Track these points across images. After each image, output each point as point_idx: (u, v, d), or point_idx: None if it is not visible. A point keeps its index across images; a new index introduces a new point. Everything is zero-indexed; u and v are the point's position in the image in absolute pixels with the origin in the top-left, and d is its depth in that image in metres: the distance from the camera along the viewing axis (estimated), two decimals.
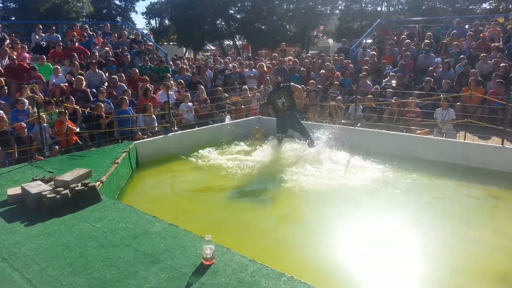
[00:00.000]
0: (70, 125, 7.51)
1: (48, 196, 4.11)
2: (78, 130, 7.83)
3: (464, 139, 7.91)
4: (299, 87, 8.19)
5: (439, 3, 31.24)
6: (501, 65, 10.05)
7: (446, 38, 13.21)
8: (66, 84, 9.42)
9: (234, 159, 7.33)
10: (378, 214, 5.12)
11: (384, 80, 11.36)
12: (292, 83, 8.22)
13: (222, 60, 14.90)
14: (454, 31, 13.06)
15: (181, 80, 10.77)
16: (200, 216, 5.03)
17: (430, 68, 11.24)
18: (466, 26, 13.82)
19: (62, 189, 4.35)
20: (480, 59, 10.86)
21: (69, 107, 7.91)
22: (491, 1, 29.33)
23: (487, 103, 9.42)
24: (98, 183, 4.98)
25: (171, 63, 13.05)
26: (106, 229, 3.73)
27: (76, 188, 4.38)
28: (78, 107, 8.29)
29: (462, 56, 11.35)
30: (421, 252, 4.14)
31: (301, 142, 7.66)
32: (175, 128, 8.70)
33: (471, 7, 30.19)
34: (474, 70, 10.35)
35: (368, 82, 11.16)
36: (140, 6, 74.06)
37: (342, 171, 6.62)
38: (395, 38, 14.52)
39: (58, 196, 4.17)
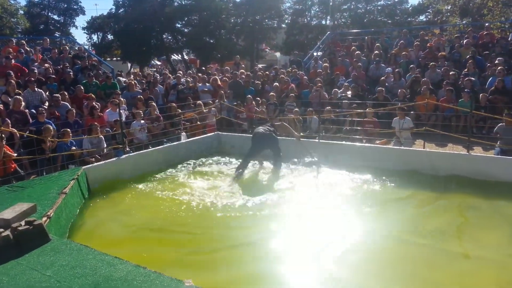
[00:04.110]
0: (8, 151, 6.65)
1: None
2: (15, 155, 6.95)
3: (424, 147, 8.00)
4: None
5: (379, 16, 32.80)
6: (450, 73, 10.40)
7: (394, 48, 13.59)
8: (1, 105, 8.47)
9: (196, 180, 6.83)
10: (354, 228, 4.90)
11: (339, 91, 11.40)
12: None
13: (170, 75, 14.35)
14: (402, 41, 13.47)
15: (140, 97, 10.16)
16: (167, 252, 4.47)
17: (382, 78, 11.45)
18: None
19: (2, 230, 3.68)
20: (429, 68, 11.21)
21: (6, 131, 7.05)
22: (427, 14, 31.21)
23: (439, 110, 9.68)
24: (44, 219, 4.32)
25: (120, 78, 12.33)
26: (60, 277, 3.13)
27: (20, 228, 3.71)
28: (16, 130, 7.45)
29: (412, 65, 11.67)
30: (404, 272, 3.90)
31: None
32: (128, 149, 8.07)
33: (409, 19, 31.96)
34: (425, 79, 10.63)
35: (324, 93, 11.14)
36: (80, 21, 70.65)
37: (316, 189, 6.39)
38: (345, 50, 14.77)
39: None
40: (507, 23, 18.15)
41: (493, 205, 5.51)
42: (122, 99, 10.08)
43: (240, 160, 7.26)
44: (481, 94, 9.50)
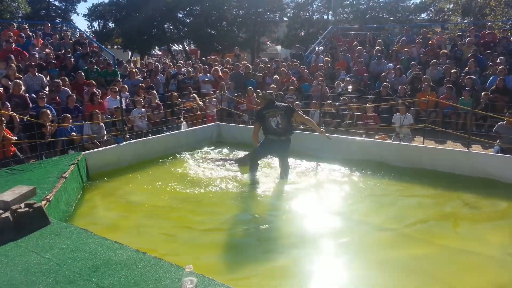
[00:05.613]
0: (7, 135, 6.62)
1: None
2: (15, 139, 6.91)
3: (423, 144, 8.02)
4: (302, 115, 6.47)
5: (381, 12, 32.66)
6: (452, 71, 10.40)
7: (396, 45, 13.57)
8: (1, 89, 8.42)
9: (196, 168, 6.83)
10: (351, 222, 4.92)
11: (340, 86, 11.39)
12: (297, 110, 6.38)
13: (171, 64, 14.30)
14: (404, 38, 13.45)
15: (142, 84, 10.11)
16: (167, 237, 4.49)
17: (383, 74, 11.44)
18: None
19: (1, 211, 3.67)
20: (430, 65, 11.20)
21: (5, 114, 7.02)
22: (428, 12, 31.12)
23: (439, 107, 9.70)
24: (44, 202, 4.32)
25: (126, 65, 12.31)
26: (59, 260, 3.14)
27: (19, 210, 3.71)
28: (15, 114, 7.42)
29: (413, 62, 11.66)
30: (404, 265, 3.92)
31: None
32: (127, 136, 8.06)
33: (410, 17, 31.86)
34: (426, 76, 10.63)
35: (326, 87, 11.13)
36: (82, 8, 69.99)
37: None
38: (347, 45, 14.74)
39: None
40: (508, 23, 18.13)
41: (493, 203, 5.52)
42: (125, 86, 10.04)
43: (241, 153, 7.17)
44: (482, 93, 9.51)
